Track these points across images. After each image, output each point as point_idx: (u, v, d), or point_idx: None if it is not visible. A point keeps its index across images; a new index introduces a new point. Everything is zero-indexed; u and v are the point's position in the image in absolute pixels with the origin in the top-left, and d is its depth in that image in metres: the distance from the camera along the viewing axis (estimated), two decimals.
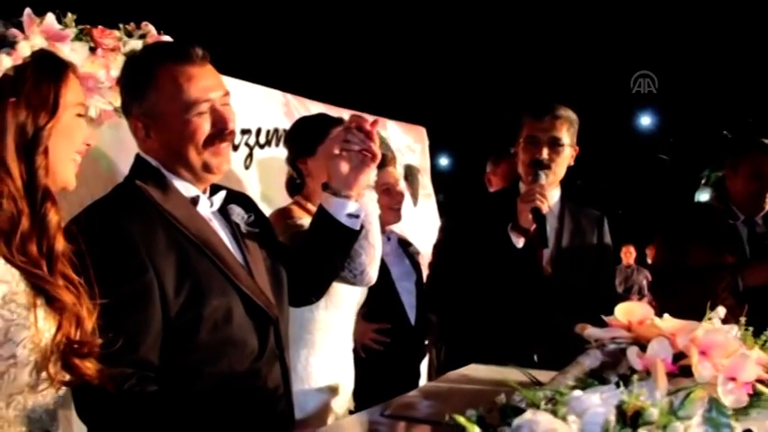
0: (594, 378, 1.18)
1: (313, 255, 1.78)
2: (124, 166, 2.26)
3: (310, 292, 1.85)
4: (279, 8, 11.92)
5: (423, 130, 4.34)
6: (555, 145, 2.56)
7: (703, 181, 12.40)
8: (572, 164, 2.68)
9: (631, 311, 1.24)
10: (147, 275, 1.41)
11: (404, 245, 2.89)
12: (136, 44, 2.38)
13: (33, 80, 1.22)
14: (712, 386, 1.12)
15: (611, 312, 1.35)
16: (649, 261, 10.23)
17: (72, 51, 2.16)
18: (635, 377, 1.10)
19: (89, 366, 1.21)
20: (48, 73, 1.24)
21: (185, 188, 1.57)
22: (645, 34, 12.86)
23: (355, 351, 2.28)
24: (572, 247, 2.67)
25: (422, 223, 3.84)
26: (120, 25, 2.44)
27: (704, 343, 1.16)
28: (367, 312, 2.39)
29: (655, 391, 1.06)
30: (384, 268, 2.56)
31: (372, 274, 1.99)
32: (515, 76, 13.55)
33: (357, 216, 1.73)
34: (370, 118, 1.71)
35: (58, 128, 1.23)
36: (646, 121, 17.53)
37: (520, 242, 2.46)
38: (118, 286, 1.37)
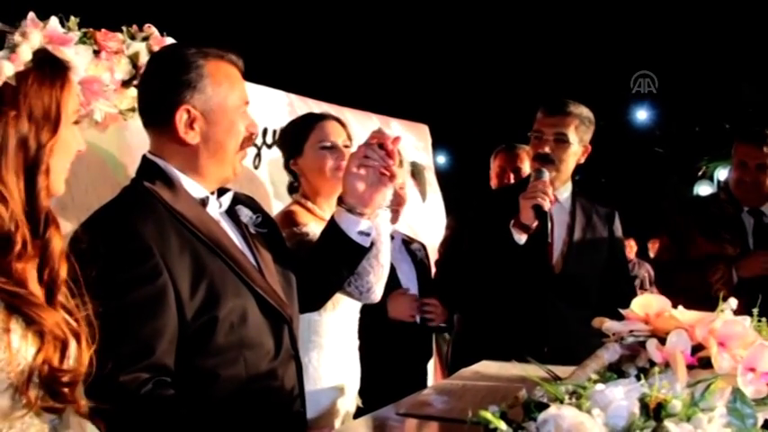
0: (613, 371, 1.19)
1: (321, 266, 1.78)
2: (131, 168, 2.26)
3: (314, 300, 1.84)
4: (280, 9, 11.93)
5: (425, 128, 4.34)
6: (560, 141, 2.58)
7: (701, 172, 12.37)
8: (581, 161, 2.69)
9: (648, 304, 1.24)
10: (161, 278, 1.39)
11: (407, 243, 2.89)
12: (139, 46, 2.38)
13: (36, 89, 1.13)
14: (731, 377, 1.12)
15: (627, 306, 1.35)
16: (651, 255, 10.24)
17: (76, 55, 2.16)
18: (655, 369, 1.10)
19: (77, 396, 1.13)
20: (50, 80, 1.16)
21: (194, 189, 1.56)
22: (645, 34, 12.87)
23: (361, 349, 2.27)
24: (583, 242, 2.69)
25: (430, 219, 3.86)
26: (123, 28, 2.43)
27: (722, 334, 1.16)
28: (372, 311, 2.38)
29: (675, 383, 1.06)
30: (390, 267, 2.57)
31: (378, 293, 1.99)
32: (514, 75, 13.57)
33: (368, 234, 1.73)
34: (391, 135, 1.71)
35: (59, 144, 1.16)
36: (642, 115, 17.58)
37: (522, 238, 2.48)
38: (132, 289, 1.36)
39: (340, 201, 1.74)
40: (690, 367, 1.16)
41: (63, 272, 1.13)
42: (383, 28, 12.85)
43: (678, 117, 15.39)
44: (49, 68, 1.17)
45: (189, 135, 1.54)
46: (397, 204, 2.79)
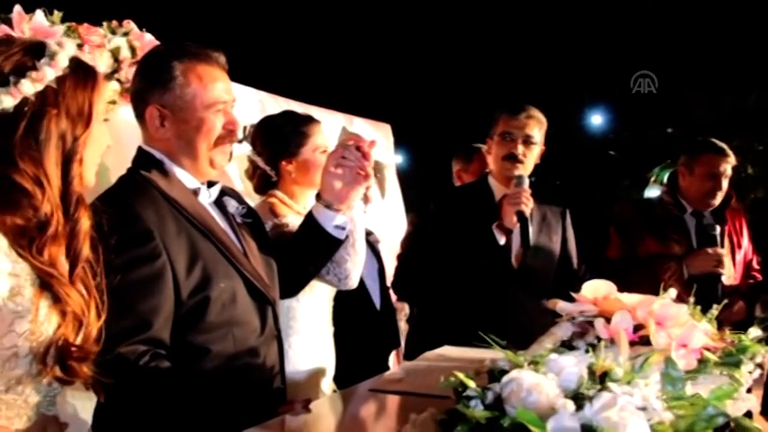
0: (565, 346, 1.34)
1: (299, 256, 1.91)
2: (113, 158, 2.34)
3: (291, 287, 1.97)
4: (251, 9, 11.96)
5: (388, 128, 4.49)
6: (528, 142, 2.75)
7: (653, 179, 12.80)
8: (538, 162, 2.86)
9: (597, 289, 1.40)
10: (161, 259, 1.51)
11: (366, 235, 3.02)
12: (120, 41, 2.47)
13: (72, 91, 1.28)
14: (667, 352, 1.29)
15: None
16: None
17: (60, 48, 2.23)
18: (602, 344, 1.26)
19: (85, 371, 1.26)
20: (83, 83, 1.31)
21: (187, 179, 1.68)
22: (645, 34, 13.09)
23: (335, 335, 2.39)
24: (539, 238, 2.85)
25: (389, 215, 4.00)
26: (104, 23, 2.52)
27: (660, 315, 1.34)
28: (341, 300, 2.49)
29: (619, 355, 1.22)
30: None
31: (355, 279, 2.13)
32: (479, 76, 13.76)
33: (343, 228, 1.88)
34: (367, 139, 1.84)
35: (91, 137, 1.31)
36: (597, 119, 18.01)
37: (502, 240, 2.67)
38: (134, 269, 1.48)
39: (318, 197, 1.87)
40: (632, 343, 1.33)
41: (86, 249, 1.27)
42: (348, 30, 12.94)
43: (631, 123, 15.78)
44: (82, 73, 1.32)
45: (159, 132, 1.65)
46: (363, 203, 2.91)
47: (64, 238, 1.25)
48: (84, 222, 1.28)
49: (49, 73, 1.25)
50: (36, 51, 1.28)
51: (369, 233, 3.05)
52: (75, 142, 1.28)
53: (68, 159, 1.27)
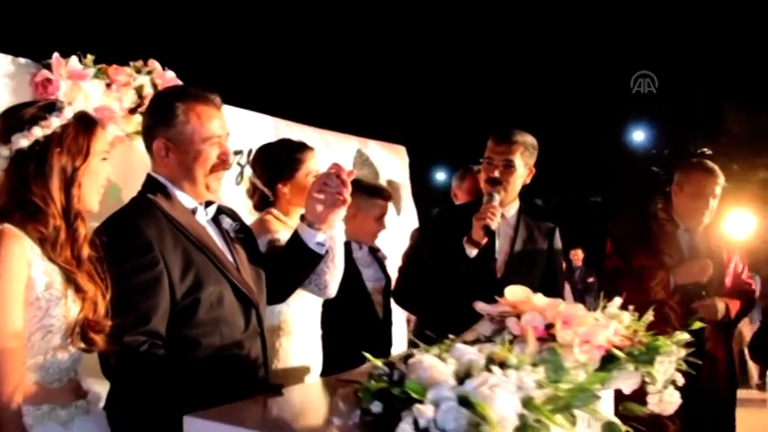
0: (488, 340, 1.59)
1: (285, 268, 2.24)
2: (133, 181, 2.68)
3: (278, 295, 2.29)
4: (266, 43, 12.47)
5: (403, 149, 4.73)
6: (507, 166, 2.98)
7: None
8: (527, 182, 3.09)
9: (515, 293, 1.64)
10: (159, 266, 1.84)
11: (373, 252, 3.30)
12: (144, 80, 2.82)
13: (73, 135, 1.72)
14: (570, 346, 1.52)
15: None
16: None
17: (91, 88, 2.61)
18: (506, 338, 1.50)
19: (99, 340, 1.71)
20: (83, 129, 1.75)
21: (186, 200, 2.01)
22: (645, 34, 13.09)
23: (323, 338, 2.68)
24: (523, 253, 3.07)
25: (404, 231, 4.26)
26: (131, 63, 2.87)
27: (566, 315, 1.57)
28: (336, 308, 2.76)
29: (525, 348, 1.46)
30: (356, 271, 2.99)
31: (333, 288, 2.44)
32: (512, 90, 13.86)
33: (324, 244, 2.19)
34: (346, 168, 2.13)
35: (89, 169, 1.75)
36: (639, 136, 17.94)
37: (473, 252, 2.89)
38: (137, 274, 1.82)
39: (302, 217, 2.19)
40: (543, 339, 1.55)
41: (86, 250, 1.72)
42: (363, 56, 13.22)
43: (671, 137, 15.67)
44: (84, 123, 1.76)
45: (164, 161, 2.00)
46: (382, 231, 3.23)
47: (69, 243, 1.69)
48: (82, 230, 1.72)
49: (54, 122, 1.70)
50: (49, 108, 1.72)
51: (376, 251, 3.34)
52: (74, 172, 1.72)
53: (69, 185, 1.71)
